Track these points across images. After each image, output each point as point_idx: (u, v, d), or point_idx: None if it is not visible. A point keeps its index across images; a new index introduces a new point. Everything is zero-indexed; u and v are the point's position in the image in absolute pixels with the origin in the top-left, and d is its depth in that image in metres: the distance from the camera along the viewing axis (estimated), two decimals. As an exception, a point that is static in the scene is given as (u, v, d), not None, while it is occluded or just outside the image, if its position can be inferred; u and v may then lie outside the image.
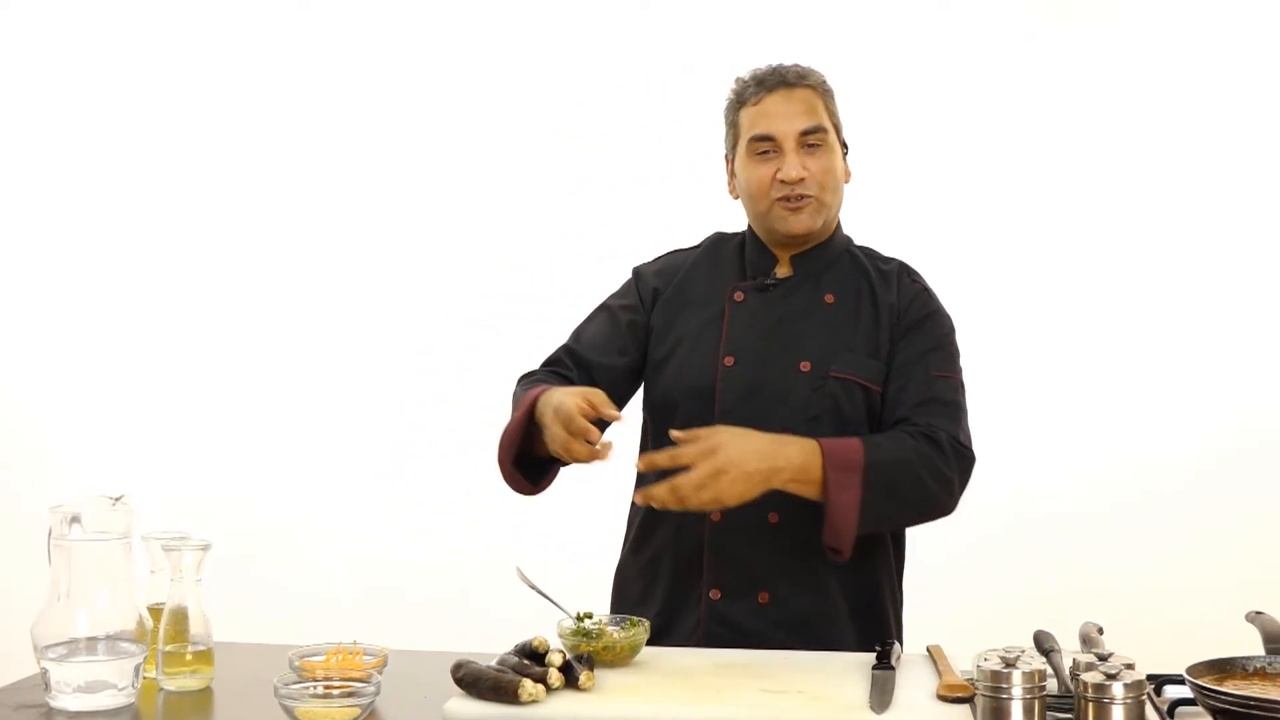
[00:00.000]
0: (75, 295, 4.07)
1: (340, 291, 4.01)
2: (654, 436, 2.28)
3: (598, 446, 2.02)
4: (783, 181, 2.20)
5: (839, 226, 2.33)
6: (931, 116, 3.88)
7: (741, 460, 1.99)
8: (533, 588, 2.17)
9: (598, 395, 2.04)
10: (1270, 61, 3.80)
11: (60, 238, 4.08)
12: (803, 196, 2.20)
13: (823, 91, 2.25)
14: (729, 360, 2.22)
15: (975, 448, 2.19)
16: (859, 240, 2.36)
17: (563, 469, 2.20)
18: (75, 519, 1.86)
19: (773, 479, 2.03)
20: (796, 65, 2.26)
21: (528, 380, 2.28)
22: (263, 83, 4.05)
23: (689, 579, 2.21)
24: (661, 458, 2.01)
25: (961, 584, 3.60)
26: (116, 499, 1.88)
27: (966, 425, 2.22)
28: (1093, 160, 3.85)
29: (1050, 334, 3.84)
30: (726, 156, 2.32)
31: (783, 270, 2.28)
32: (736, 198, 2.32)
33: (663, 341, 2.29)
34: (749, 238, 2.33)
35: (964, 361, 2.28)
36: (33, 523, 1.90)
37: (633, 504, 2.32)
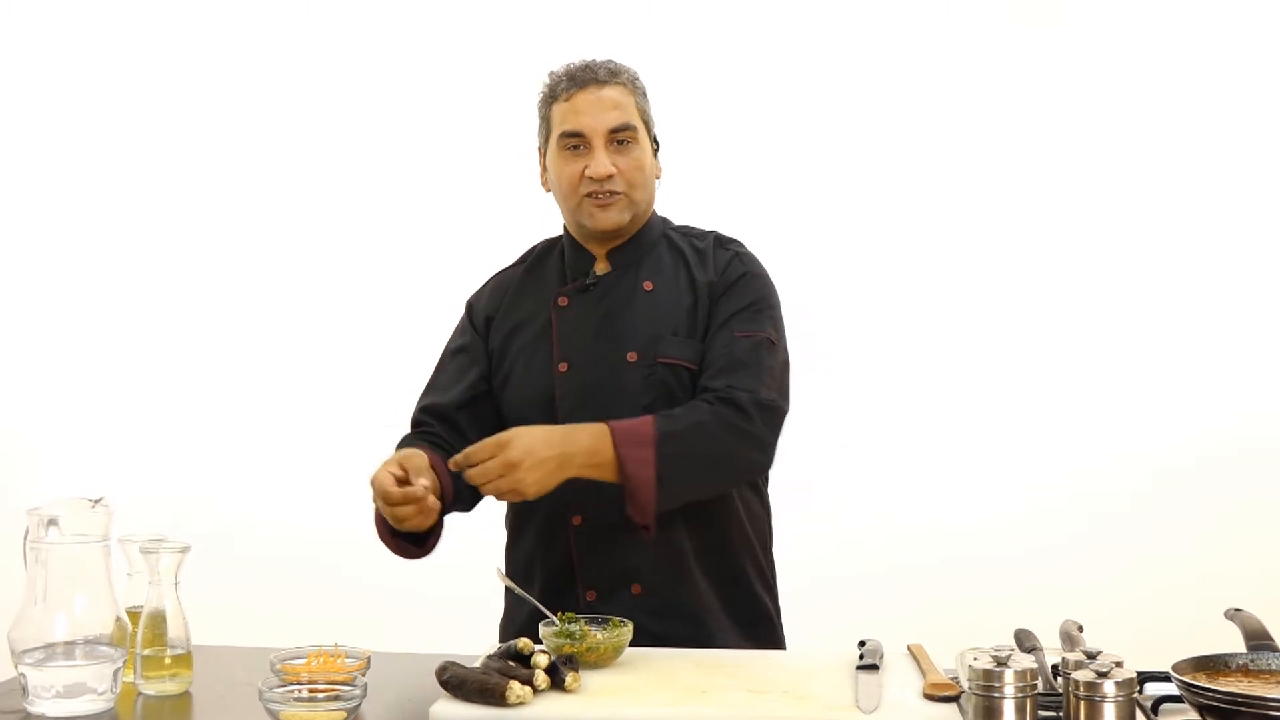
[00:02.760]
0: (62, 295, 4.03)
1: (326, 290, 4.00)
2: None
3: (427, 502, 2.06)
4: (591, 178, 2.21)
5: (653, 215, 2.34)
6: (930, 117, 3.91)
7: (531, 449, 2.01)
8: (514, 588, 2.16)
9: (411, 461, 2.09)
10: (1257, 61, 3.85)
11: (47, 237, 4.04)
12: (611, 193, 2.22)
13: (634, 89, 2.26)
14: (563, 366, 2.24)
15: (790, 401, 2.23)
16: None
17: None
18: (52, 522, 1.83)
19: (566, 466, 2.06)
20: (609, 62, 2.27)
21: (400, 446, 2.29)
22: (255, 84, 4.03)
23: (563, 584, 2.23)
24: (459, 457, 2.04)
25: (933, 584, 3.63)
26: (96, 501, 1.85)
27: (771, 379, 2.19)
28: (1084, 163, 3.89)
29: (1029, 334, 3.87)
30: (540, 149, 2.32)
31: (601, 267, 2.30)
32: (549, 191, 2.33)
33: (501, 365, 2.32)
34: (566, 240, 2.34)
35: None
36: (11, 524, 1.86)
37: (507, 511, 2.34)
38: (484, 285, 2.43)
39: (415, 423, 2.34)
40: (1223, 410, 3.79)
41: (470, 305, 2.41)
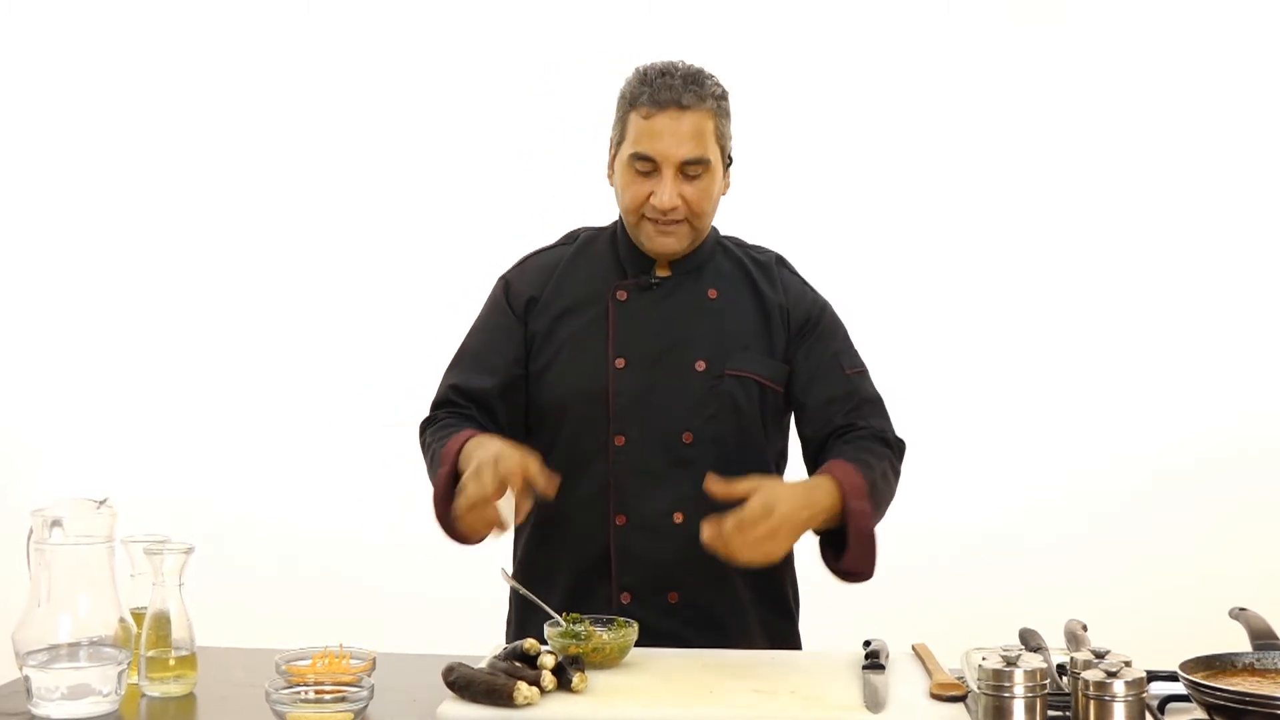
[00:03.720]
0: (63, 295, 4.01)
1: (327, 291, 3.97)
2: (542, 439, 2.24)
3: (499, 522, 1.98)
4: (655, 206, 2.16)
5: None
6: (929, 118, 3.91)
7: (791, 514, 1.96)
8: (518, 589, 2.16)
9: (534, 465, 1.97)
10: (1257, 61, 3.86)
11: (47, 237, 4.02)
12: (673, 222, 2.17)
13: (716, 111, 2.17)
14: (620, 363, 2.20)
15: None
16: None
17: None
18: (56, 523, 1.82)
19: (811, 524, 2.04)
20: (696, 80, 2.16)
21: (434, 427, 2.21)
22: (255, 83, 4.01)
23: (594, 585, 2.20)
24: (730, 524, 1.92)
25: (935, 583, 3.63)
26: (100, 502, 1.84)
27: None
28: (1084, 164, 3.89)
29: (1030, 334, 3.88)
30: (611, 142, 2.25)
31: (662, 269, 2.26)
32: (613, 185, 2.27)
33: (545, 348, 2.25)
34: (622, 235, 2.29)
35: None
36: (11, 525, 1.85)
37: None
38: (522, 263, 2.34)
39: (445, 401, 2.25)
40: (1223, 410, 3.80)
41: (507, 283, 2.32)
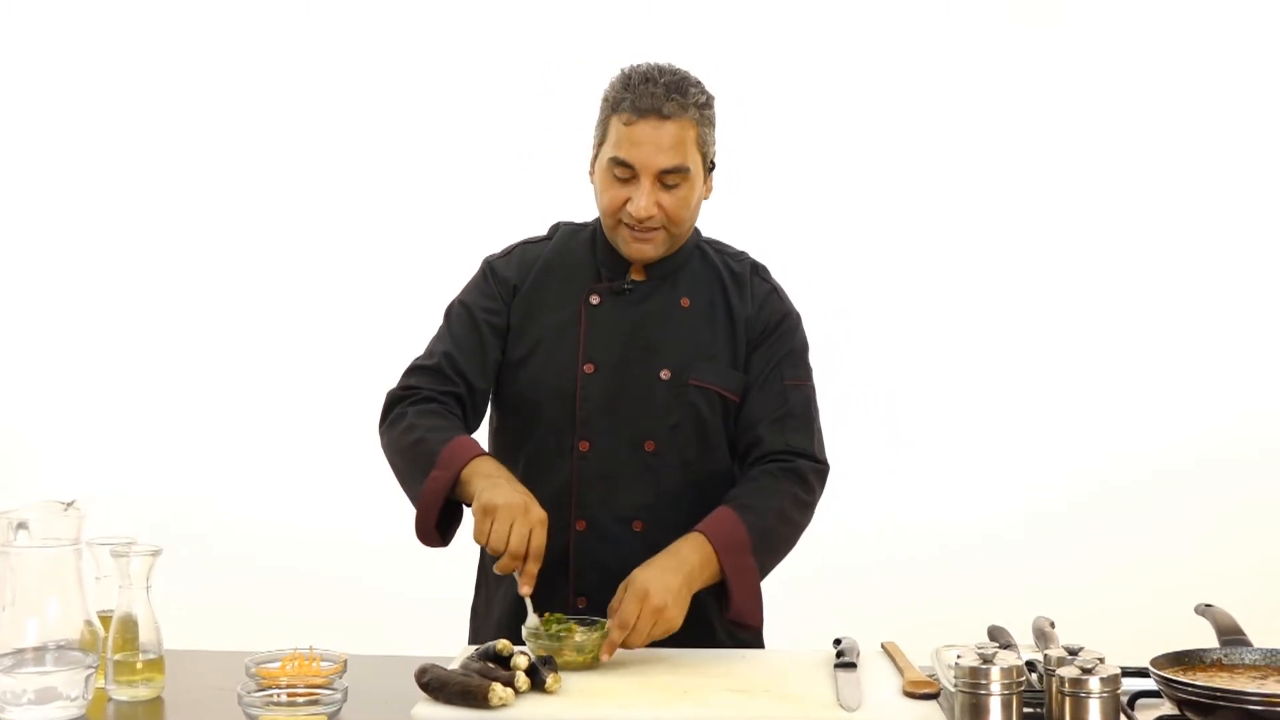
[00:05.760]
0: (62, 296, 3.99)
1: (324, 289, 3.97)
2: (509, 434, 2.25)
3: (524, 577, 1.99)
4: (630, 214, 2.15)
5: None
6: (930, 118, 3.92)
7: (665, 586, 1.99)
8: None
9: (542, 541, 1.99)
10: (1257, 61, 3.89)
11: (46, 238, 4.01)
12: (650, 229, 2.17)
13: (699, 120, 2.15)
14: (589, 368, 2.21)
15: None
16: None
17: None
18: (22, 525, 1.79)
19: (692, 584, 2.04)
20: (679, 88, 2.14)
21: (419, 406, 2.19)
22: (253, 84, 3.99)
23: (552, 587, 2.17)
24: (615, 635, 1.98)
25: (897, 582, 3.65)
26: (68, 505, 1.81)
27: (819, 434, 2.28)
28: (1084, 164, 3.92)
29: (1026, 334, 3.90)
30: (595, 142, 2.23)
31: (637, 273, 2.26)
32: (594, 185, 2.26)
33: (520, 341, 2.25)
34: (600, 234, 2.28)
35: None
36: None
37: None
38: (509, 252, 2.33)
39: (434, 369, 2.23)
40: (1223, 410, 3.82)
41: (493, 267, 2.31)
